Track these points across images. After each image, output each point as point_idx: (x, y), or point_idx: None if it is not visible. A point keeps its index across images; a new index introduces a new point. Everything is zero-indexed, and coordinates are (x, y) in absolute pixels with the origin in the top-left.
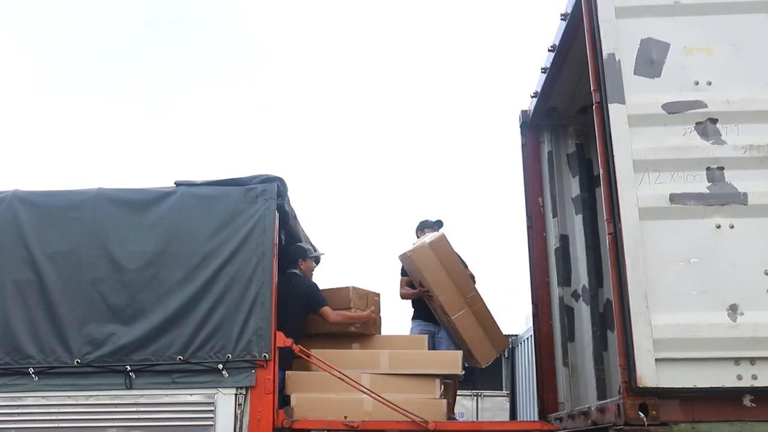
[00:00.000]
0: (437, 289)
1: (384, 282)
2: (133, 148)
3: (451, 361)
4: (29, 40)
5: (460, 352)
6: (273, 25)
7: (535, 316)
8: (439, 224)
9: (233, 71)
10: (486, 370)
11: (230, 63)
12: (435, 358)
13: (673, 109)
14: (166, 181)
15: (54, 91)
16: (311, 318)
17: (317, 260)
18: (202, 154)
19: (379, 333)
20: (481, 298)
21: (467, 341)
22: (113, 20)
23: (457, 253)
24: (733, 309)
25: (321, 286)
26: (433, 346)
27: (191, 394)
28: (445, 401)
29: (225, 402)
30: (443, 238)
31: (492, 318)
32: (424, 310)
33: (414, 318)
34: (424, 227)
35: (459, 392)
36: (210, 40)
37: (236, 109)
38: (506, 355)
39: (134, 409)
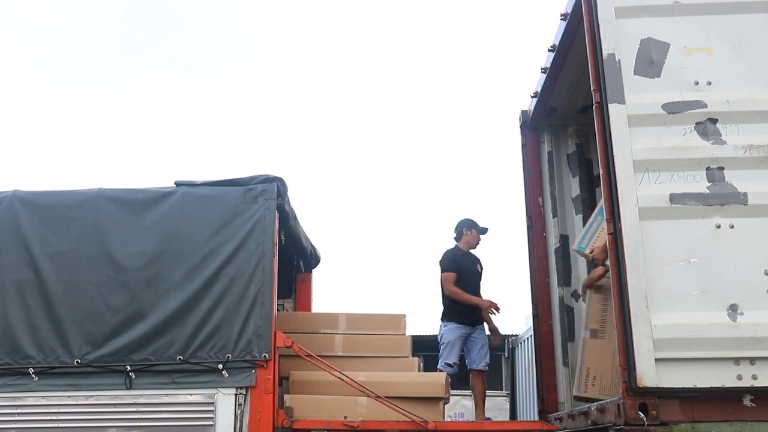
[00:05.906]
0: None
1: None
2: (130, 148)
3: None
4: (21, 38)
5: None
6: (269, 22)
7: (535, 316)
8: (484, 231)
9: (230, 70)
10: (485, 370)
11: (226, 61)
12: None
13: (673, 109)
14: (165, 181)
15: (49, 90)
16: None
17: None
18: (200, 154)
19: None
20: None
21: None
22: (106, 18)
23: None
24: (733, 309)
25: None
26: (466, 347)
27: (191, 394)
28: (444, 401)
29: (225, 402)
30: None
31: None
32: (459, 311)
33: (447, 320)
34: (472, 227)
35: (459, 392)
36: (205, 39)
37: (234, 108)
38: (506, 355)
39: (134, 409)
